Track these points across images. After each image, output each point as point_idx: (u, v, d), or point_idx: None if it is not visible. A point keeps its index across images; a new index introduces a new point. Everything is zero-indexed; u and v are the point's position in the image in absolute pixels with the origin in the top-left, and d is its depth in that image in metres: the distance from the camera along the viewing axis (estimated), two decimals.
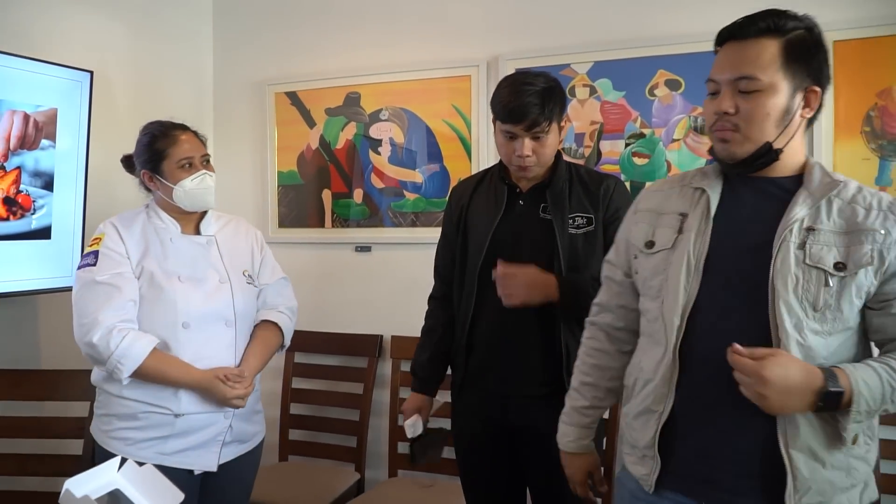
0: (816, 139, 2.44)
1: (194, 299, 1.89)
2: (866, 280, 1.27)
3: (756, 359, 1.22)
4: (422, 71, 2.96)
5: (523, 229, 1.94)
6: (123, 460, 1.39)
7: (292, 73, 3.21)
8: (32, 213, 2.28)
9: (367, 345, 3.03)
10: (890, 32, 2.37)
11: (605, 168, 2.70)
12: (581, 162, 2.73)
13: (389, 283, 3.09)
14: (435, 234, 2.86)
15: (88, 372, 2.02)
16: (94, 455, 1.94)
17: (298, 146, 3.20)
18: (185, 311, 1.87)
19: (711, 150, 1.42)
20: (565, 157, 2.03)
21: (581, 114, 2.73)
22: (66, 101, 2.34)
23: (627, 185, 2.67)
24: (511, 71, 2.78)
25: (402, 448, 2.92)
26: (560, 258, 1.87)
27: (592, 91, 2.71)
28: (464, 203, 2.06)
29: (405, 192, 3.03)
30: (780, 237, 1.30)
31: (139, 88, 2.95)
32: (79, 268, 1.89)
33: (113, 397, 1.89)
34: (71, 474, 2.03)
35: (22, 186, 2.23)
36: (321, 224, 3.18)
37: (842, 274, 1.27)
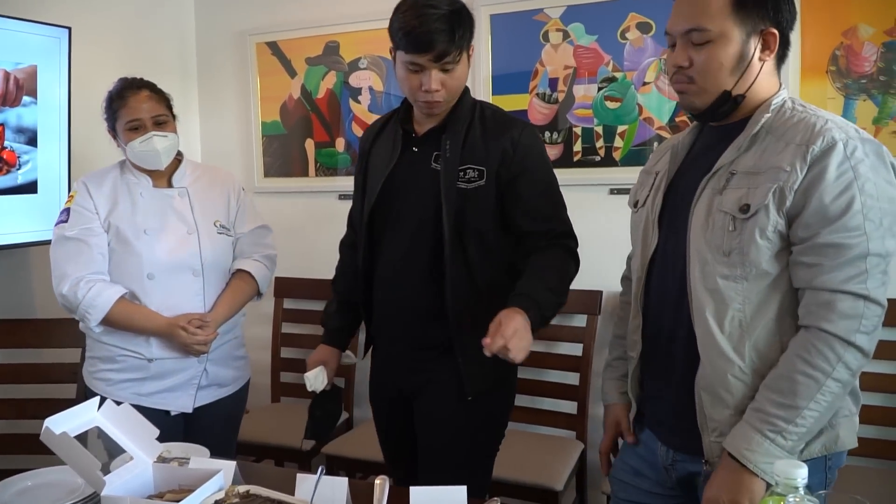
0: (783, 78, 2.45)
1: (159, 251, 1.96)
2: (769, 220, 1.24)
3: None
4: None
5: (414, 180, 1.75)
6: (103, 400, 1.50)
7: (273, 22, 3.23)
8: (18, 169, 2.35)
9: None
10: None
11: (579, 113, 2.74)
12: (553, 108, 2.77)
13: None
14: None
15: (73, 319, 2.13)
16: (85, 396, 2.04)
17: (280, 96, 3.24)
18: (149, 263, 1.95)
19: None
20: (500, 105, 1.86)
21: (554, 58, 2.75)
22: (45, 57, 2.39)
23: (600, 129, 2.71)
24: (485, 17, 2.80)
25: None
26: (444, 214, 1.68)
27: (566, 35, 2.73)
28: (366, 148, 1.89)
29: None
30: (703, 184, 1.33)
31: (120, 43, 2.98)
32: (55, 224, 1.99)
33: (96, 341, 2.02)
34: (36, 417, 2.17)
35: (6, 143, 2.31)
36: (305, 173, 3.24)
37: (745, 216, 1.25)
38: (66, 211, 1.98)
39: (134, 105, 1.95)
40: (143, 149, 1.96)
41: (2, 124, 2.30)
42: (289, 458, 2.79)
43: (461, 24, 1.63)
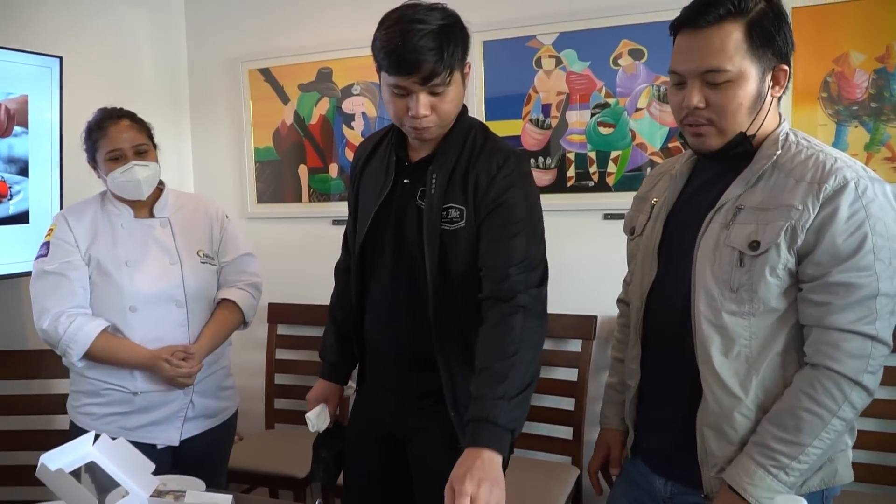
0: None
1: (141, 283, 1.94)
2: (779, 258, 1.23)
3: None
4: None
5: (402, 216, 1.60)
6: (97, 436, 1.48)
7: (265, 49, 3.24)
8: (9, 199, 2.34)
9: None
10: None
11: (572, 138, 2.75)
12: (547, 134, 2.78)
13: None
14: None
15: None
16: (70, 430, 2.01)
17: (273, 122, 3.24)
18: (131, 295, 1.93)
19: (682, 138, 1.39)
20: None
21: (547, 84, 2.77)
22: (36, 87, 2.39)
23: (593, 154, 2.73)
24: (478, 43, 2.83)
25: None
26: (426, 258, 1.54)
27: (558, 62, 2.75)
28: (357, 170, 1.74)
29: None
30: (709, 218, 1.32)
31: (111, 71, 2.99)
32: (34, 259, 1.96)
33: (79, 376, 1.98)
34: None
35: None
36: (298, 199, 3.24)
37: (755, 253, 1.24)
38: (46, 245, 1.95)
39: (114, 135, 1.93)
40: (124, 179, 1.93)
41: None
42: (283, 485, 2.76)
43: (451, 40, 1.43)
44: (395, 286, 1.63)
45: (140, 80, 3.14)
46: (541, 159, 2.79)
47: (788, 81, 1.32)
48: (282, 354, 3.22)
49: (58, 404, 2.31)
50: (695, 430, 1.33)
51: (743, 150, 1.31)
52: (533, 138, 2.80)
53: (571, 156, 2.76)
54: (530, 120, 2.81)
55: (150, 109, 3.14)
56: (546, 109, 2.78)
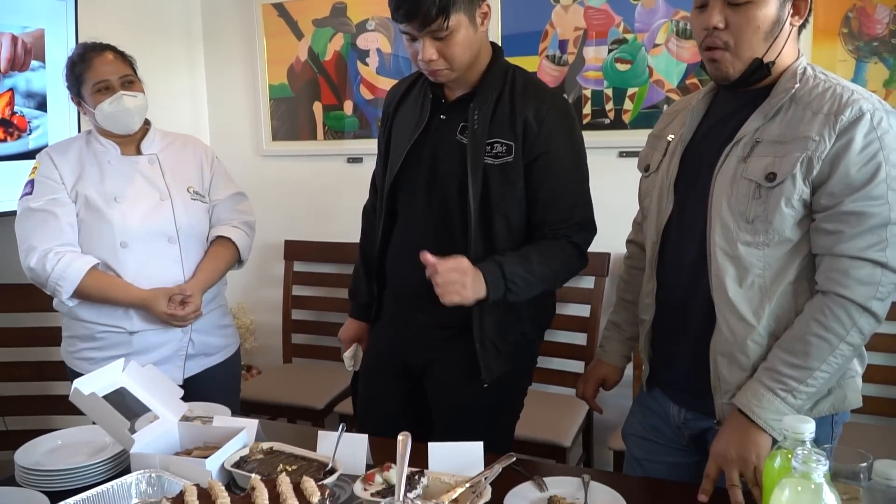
0: None
1: (131, 218, 1.91)
2: (795, 188, 1.25)
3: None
4: None
5: (439, 151, 1.65)
6: (127, 361, 1.53)
7: None
8: (29, 134, 2.36)
9: None
10: None
11: (588, 75, 2.73)
12: (563, 70, 2.76)
13: None
14: None
15: None
16: (70, 377, 2.00)
17: (288, 59, 3.22)
18: (122, 231, 1.89)
19: (704, 70, 1.41)
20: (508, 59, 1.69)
21: (564, 20, 2.74)
22: (52, 21, 2.38)
23: (609, 91, 2.71)
24: None
25: None
26: (470, 193, 1.59)
27: None
28: (390, 111, 1.78)
29: None
30: (726, 151, 1.33)
31: (125, 6, 2.96)
32: (19, 197, 1.93)
33: (73, 320, 1.96)
34: (55, 379, 2.18)
35: (16, 108, 2.32)
36: (313, 136, 3.24)
37: (771, 185, 1.26)
38: (31, 182, 1.91)
39: (99, 66, 1.88)
40: (113, 109, 1.88)
41: (11, 89, 2.30)
42: (302, 416, 2.85)
43: None
44: (426, 222, 1.69)
45: (152, 16, 3.11)
46: None
47: (809, 14, 1.32)
48: (298, 291, 3.28)
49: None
50: (708, 358, 1.37)
51: (760, 79, 1.31)
52: (549, 75, 2.78)
53: (588, 93, 2.74)
54: (547, 56, 2.78)
55: (164, 45, 3.17)
56: (563, 45, 2.75)
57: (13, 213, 2.29)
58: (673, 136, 1.48)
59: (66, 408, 2.25)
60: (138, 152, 2.00)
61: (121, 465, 1.45)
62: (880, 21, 2.38)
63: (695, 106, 1.46)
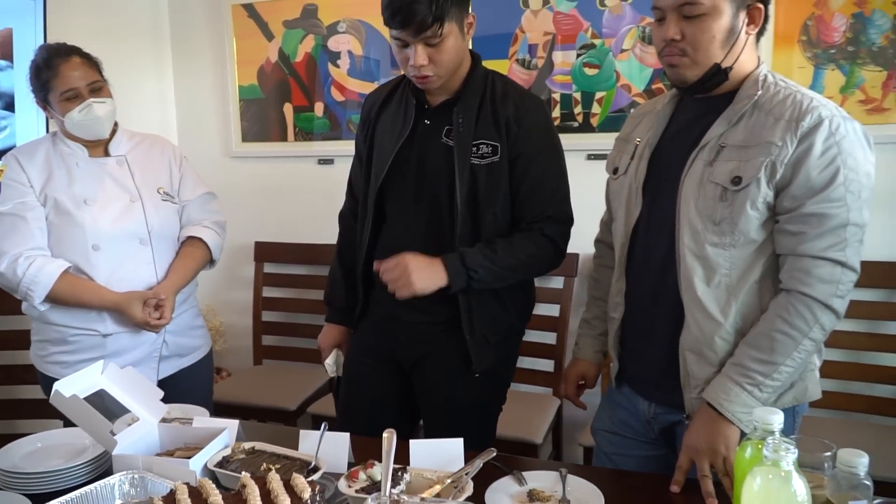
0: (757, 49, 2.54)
1: (103, 221, 1.89)
2: (759, 191, 1.31)
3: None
4: None
5: (426, 155, 1.72)
6: (106, 364, 1.53)
7: None
8: None
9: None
10: None
11: (558, 79, 2.79)
12: (532, 74, 2.81)
13: None
14: None
15: None
16: (40, 381, 2.02)
17: (258, 60, 3.22)
18: (94, 234, 1.88)
19: (664, 73, 1.46)
20: (486, 64, 1.78)
21: (534, 24, 2.79)
22: (20, 20, 2.36)
23: (578, 95, 2.77)
24: None
25: None
26: (458, 192, 1.66)
27: (545, 2, 2.76)
28: (372, 117, 1.83)
29: None
30: (693, 156, 1.39)
31: (94, 4, 2.93)
32: None
33: (43, 324, 1.94)
34: (24, 383, 2.15)
35: None
36: (284, 138, 3.24)
37: (737, 188, 1.32)
38: None
39: (66, 73, 1.85)
40: (83, 118, 1.87)
41: None
42: (274, 418, 2.85)
43: None
44: (416, 222, 1.75)
45: (119, 16, 3.08)
46: None
47: (766, 23, 1.38)
48: (268, 292, 3.28)
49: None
50: (677, 355, 1.43)
51: (718, 83, 1.37)
52: (519, 78, 2.82)
53: (557, 96, 2.80)
54: (517, 60, 2.83)
55: (131, 45, 3.14)
56: (532, 50, 2.80)
57: None
58: (640, 140, 1.53)
59: (35, 411, 2.24)
60: (106, 154, 1.98)
61: (101, 468, 1.45)
62: (837, 29, 2.48)
63: (660, 111, 1.52)
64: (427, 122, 1.74)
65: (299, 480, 1.05)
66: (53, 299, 1.86)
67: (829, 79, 2.51)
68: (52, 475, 1.39)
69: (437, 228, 1.72)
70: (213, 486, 1.05)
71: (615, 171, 1.60)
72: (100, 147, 1.98)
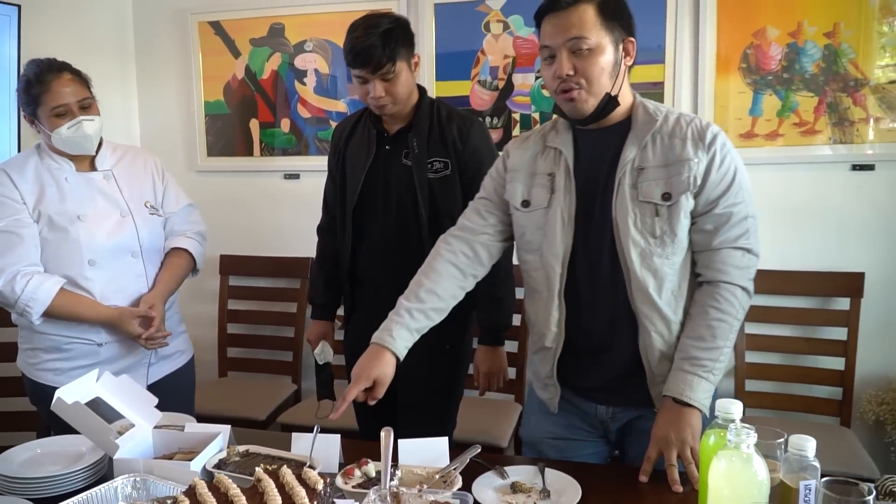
0: (700, 74, 2.74)
1: (98, 235, 1.94)
2: (687, 202, 1.49)
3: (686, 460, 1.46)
4: (345, 3, 3.07)
5: (388, 174, 2.05)
6: (100, 372, 1.58)
7: (215, 2, 3.25)
8: None
9: (300, 266, 3.24)
10: None
11: (517, 100, 2.94)
12: (493, 95, 2.95)
13: (318, 208, 3.23)
14: None
15: None
16: (27, 387, 2.05)
17: (224, 76, 3.28)
18: (90, 249, 1.93)
19: (557, 109, 1.58)
20: (444, 93, 2.24)
21: (495, 48, 2.93)
22: None
23: (537, 115, 2.92)
24: (430, 6, 2.95)
25: (336, 360, 3.17)
26: (420, 205, 1.99)
27: (506, 26, 2.91)
28: (341, 146, 2.15)
29: (331, 122, 3.18)
30: (616, 180, 1.52)
31: (63, 18, 2.95)
32: None
33: (34, 333, 1.97)
34: (13, 396, 2.16)
35: None
36: (249, 153, 3.31)
37: (668, 203, 1.49)
38: None
39: (57, 90, 1.88)
40: (72, 135, 1.90)
41: None
42: (243, 428, 2.88)
43: (394, 40, 1.90)
44: (388, 233, 2.06)
45: (86, 31, 3.10)
46: (488, 119, 2.97)
47: (634, 56, 1.55)
48: (233, 305, 3.32)
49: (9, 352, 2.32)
50: (638, 360, 1.57)
51: (610, 111, 1.53)
52: (481, 98, 2.97)
53: (517, 116, 2.94)
54: (479, 81, 2.97)
55: (95, 60, 3.13)
56: (493, 71, 2.95)
57: None
58: (552, 173, 1.61)
59: (15, 424, 2.25)
60: (92, 168, 2.02)
61: (99, 472, 1.50)
62: (774, 58, 2.70)
63: (563, 145, 1.60)
64: (387, 147, 2.07)
65: (311, 474, 1.13)
66: (50, 315, 1.90)
67: (767, 103, 2.72)
68: (51, 480, 1.43)
69: (406, 233, 2.01)
70: (231, 481, 1.13)
71: (525, 203, 1.63)
72: (85, 161, 2.01)
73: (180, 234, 2.14)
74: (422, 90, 2.08)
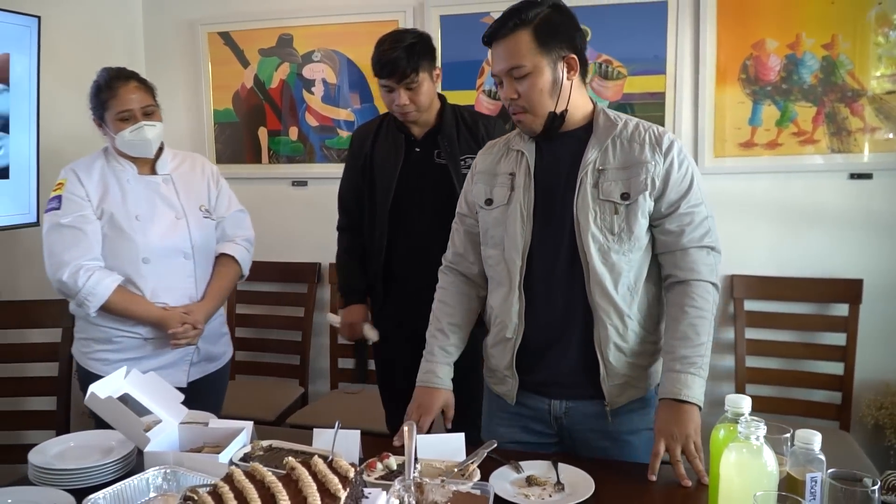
0: (700, 84, 2.82)
1: (153, 236, 2.07)
2: (645, 202, 1.58)
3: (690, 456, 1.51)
4: (352, 15, 3.15)
5: (423, 174, 2.21)
6: (129, 369, 1.64)
7: (225, 13, 3.32)
8: None
9: (307, 272, 3.30)
10: None
11: None
12: (498, 105, 3.02)
13: (326, 214, 3.28)
14: None
15: (53, 301, 2.27)
16: (78, 374, 2.15)
17: (233, 85, 3.34)
18: (144, 248, 2.05)
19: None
20: (450, 101, 2.29)
21: None
22: (16, 46, 2.43)
23: None
24: (435, 17, 3.03)
25: (343, 364, 3.24)
26: (459, 195, 1.99)
27: None
28: (366, 151, 2.29)
29: (338, 130, 3.25)
30: (578, 180, 1.60)
31: (78, 31, 3.01)
32: (45, 211, 2.06)
33: (90, 324, 2.08)
34: (47, 394, 2.24)
35: None
36: (258, 160, 3.37)
37: (627, 202, 1.58)
38: (58, 198, 2.03)
39: (124, 96, 2.02)
40: (134, 138, 2.04)
41: None
42: None
43: (416, 52, 2.10)
44: (428, 227, 2.16)
45: (99, 41, 3.16)
46: None
47: (584, 66, 1.64)
48: (242, 309, 3.37)
49: (45, 352, 2.39)
50: (587, 354, 1.63)
51: (560, 125, 1.62)
52: (486, 108, 3.04)
53: None
54: (483, 91, 3.04)
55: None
56: None
57: None
58: (513, 173, 1.69)
59: (45, 422, 2.31)
60: (153, 172, 2.15)
61: (129, 465, 1.55)
62: (773, 69, 2.77)
63: (525, 148, 1.69)
64: (418, 149, 2.23)
65: (343, 463, 1.19)
66: (106, 309, 2.02)
67: (766, 113, 2.80)
68: (83, 472, 1.48)
69: (445, 228, 1.97)
70: (264, 468, 1.18)
71: (488, 202, 1.73)
72: (147, 165, 2.14)
73: (230, 240, 2.26)
74: (442, 98, 2.26)
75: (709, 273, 1.60)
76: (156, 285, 2.08)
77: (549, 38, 1.57)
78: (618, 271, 1.60)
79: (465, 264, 1.83)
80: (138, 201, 2.09)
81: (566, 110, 1.61)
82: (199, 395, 2.13)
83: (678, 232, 1.60)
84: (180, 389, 2.11)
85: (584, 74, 1.65)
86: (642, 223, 1.59)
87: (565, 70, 1.59)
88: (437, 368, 1.77)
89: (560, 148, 1.66)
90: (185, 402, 2.11)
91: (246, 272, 2.31)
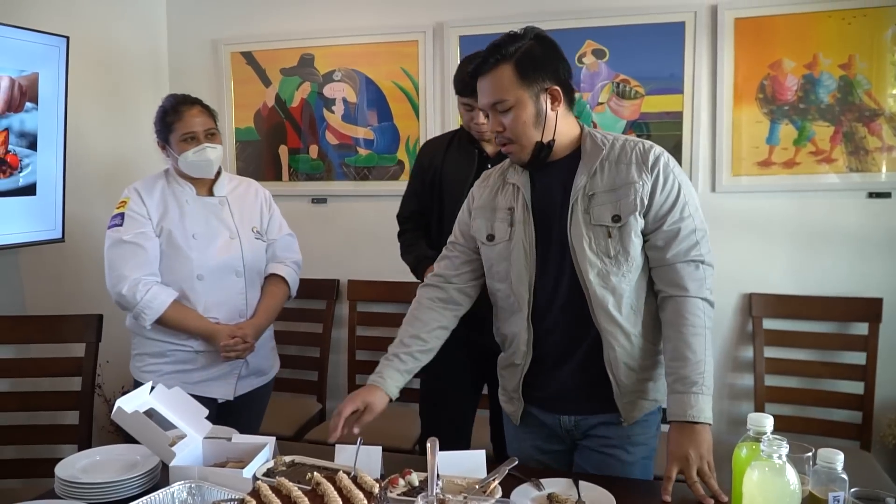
0: (718, 104, 2.84)
1: (208, 254, 2.17)
2: (637, 222, 1.59)
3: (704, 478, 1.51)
4: (373, 35, 3.20)
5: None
6: (154, 383, 1.67)
7: (247, 33, 3.37)
8: (20, 172, 2.44)
9: (326, 288, 3.33)
10: (780, 12, 2.76)
11: None
12: None
13: (344, 231, 3.37)
14: (386, 186, 3.21)
15: (77, 317, 2.33)
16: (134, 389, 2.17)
17: (255, 104, 3.39)
18: (199, 265, 2.16)
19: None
20: None
21: None
22: (45, 65, 2.48)
23: None
24: (455, 38, 3.07)
25: (360, 380, 3.25)
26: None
27: None
28: (437, 164, 2.34)
29: (357, 148, 3.28)
30: (569, 208, 1.62)
31: (103, 50, 3.08)
32: (108, 227, 2.16)
33: (145, 339, 2.19)
34: (70, 408, 2.27)
35: (10, 147, 2.40)
36: (278, 178, 3.41)
37: (619, 224, 1.59)
38: (121, 216, 2.15)
39: (189, 119, 2.15)
40: (196, 159, 2.15)
41: (6, 129, 2.39)
42: None
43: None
44: None
45: (125, 61, 3.22)
46: None
47: (571, 95, 1.64)
48: None
49: (69, 366, 2.41)
50: (603, 372, 1.64)
51: (548, 155, 1.63)
52: None
53: None
54: None
55: (130, 88, 3.28)
56: None
57: (8, 247, 2.38)
58: (511, 208, 1.71)
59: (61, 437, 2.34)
60: (210, 193, 2.26)
61: (153, 480, 1.57)
62: (790, 88, 2.79)
63: (520, 181, 1.71)
64: (489, 165, 2.16)
65: (367, 478, 1.20)
66: (161, 323, 2.13)
67: (784, 132, 2.81)
68: (108, 486, 1.51)
69: None
70: (291, 483, 1.19)
71: (489, 237, 1.74)
72: (205, 187, 2.26)
73: (280, 262, 2.34)
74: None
75: (698, 289, 1.59)
76: (208, 301, 2.17)
77: (531, 71, 1.58)
78: (619, 293, 1.61)
79: (447, 286, 1.83)
80: (196, 221, 2.19)
81: (553, 140, 1.62)
82: (245, 408, 2.26)
83: (664, 247, 1.60)
84: (227, 402, 2.23)
85: (570, 103, 1.65)
86: (636, 243, 1.60)
87: (549, 101, 1.60)
88: (385, 371, 1.75)
89: (551, 177, 1.67)
90: (230, 416, 2.21)
91: (294, 293, 2.41)
